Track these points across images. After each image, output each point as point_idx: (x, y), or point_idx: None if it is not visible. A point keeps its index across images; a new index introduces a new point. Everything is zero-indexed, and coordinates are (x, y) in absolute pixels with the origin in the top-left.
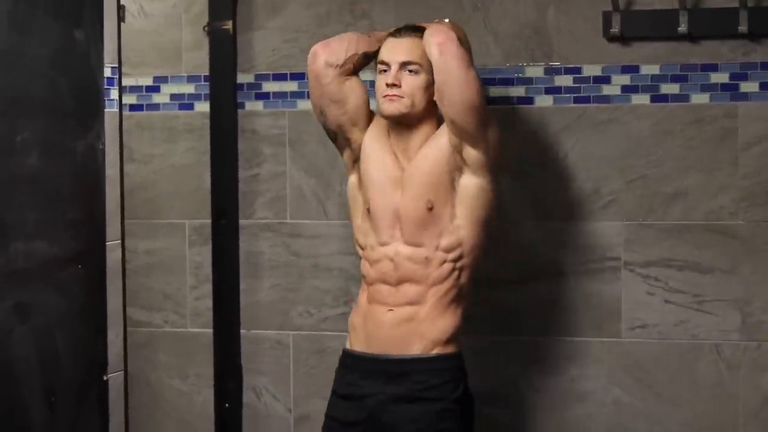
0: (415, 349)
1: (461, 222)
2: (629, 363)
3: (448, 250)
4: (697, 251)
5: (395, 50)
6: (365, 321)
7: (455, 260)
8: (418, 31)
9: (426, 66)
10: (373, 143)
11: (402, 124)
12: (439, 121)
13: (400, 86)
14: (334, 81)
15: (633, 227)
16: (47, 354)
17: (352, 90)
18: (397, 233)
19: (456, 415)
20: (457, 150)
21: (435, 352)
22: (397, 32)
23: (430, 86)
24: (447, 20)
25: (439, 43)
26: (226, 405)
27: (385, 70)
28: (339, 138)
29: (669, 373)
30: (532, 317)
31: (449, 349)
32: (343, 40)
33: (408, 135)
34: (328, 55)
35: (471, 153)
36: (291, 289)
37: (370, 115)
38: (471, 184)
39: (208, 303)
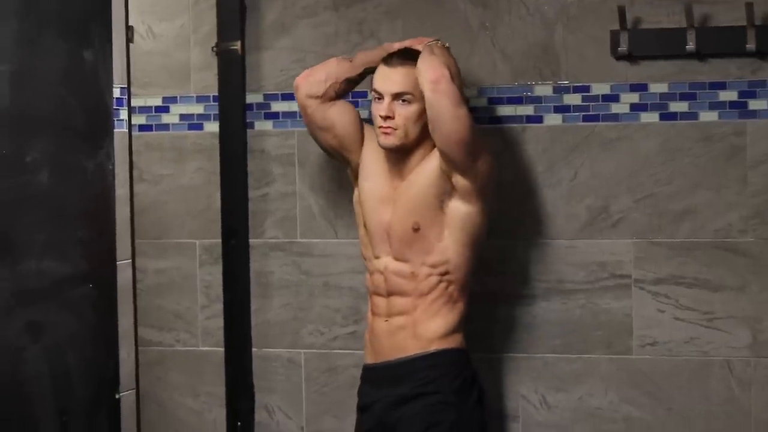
0: (413, 349)
1: (449, 242)
2: (640, 380)
3: (434, 266)
4: (706, 269)
5: (388, 81)
6: (371, 335)
7: (442, 274)
8: (410, 58)
9: (419, 95)
10: (370, 161)
11: (398, 150)
12: (434, 143)
13: (393, 117)
14: (317, 110)
15: (642, 245)
16: (59, 373)
17: (339, 116)
18: (387, 248)
19: (454, 407)
20: (448, 176)
21: (433, 348)
22: (390, 59)
23: (423, 114)
24: (439, 42)
25: (432, 80)
26: (239, 424)
27: (379, 98)
28: (337, 158)
29: (680, 389)
30: (543, 334)
31: (447, 345)
32: (322, 69)
33: (403, 158)
34: (308, 87)
35: (460, 181)
36: (301, 308)
37: (362, 134)
38: (460, 208)
39: (219, 322)
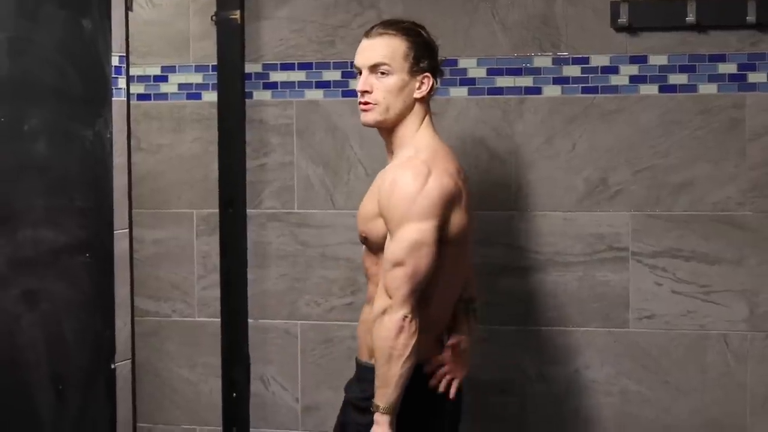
0: (363, 355)
1: None
2: (637, 353)
3: None
4: (704, 242)
5: (365, 53)
6: None
7: None
8: (392, 26)
9: (398, 65)
10: None
11: (383, 128)
12: (423, 116)
13: (371, 92)
14: None
15: (640, 218)
16: (55, 342)
17: None
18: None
19: None
20: None
21: (367, 360)
22: (371, 30)
23: (405, 85)
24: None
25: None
26: (234, 394)
27: (359, 74)
28: None
29: (676, 363)
30: (540, 307)
31: None
32: None
33: (389, 136)
34: None
35: None
36: (298, 279)
37: None
38: None
39: (216, 292)
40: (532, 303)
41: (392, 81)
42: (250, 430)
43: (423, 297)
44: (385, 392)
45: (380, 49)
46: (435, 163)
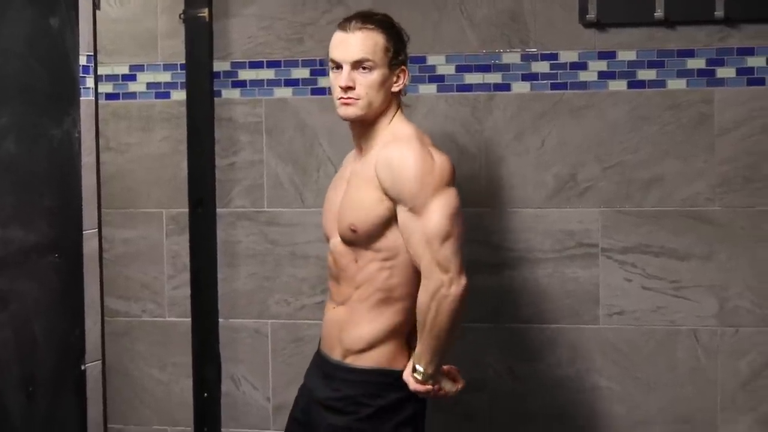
0: (336, 354)
1: (393, 235)
2: (607, 349)
3: (378, 251)
4: (674, 237)
5: (346, 48)
6: (324, 316)
7: (385, 259)
8: (369, 20)
9: (380, 59)
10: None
11: (360, 122)
12: (397, 109)
13: (354, 87)
14: None
15: (610, 213)
16: (25, 342)
17: None
18: (336, 227)
19: None
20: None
21: (348, 361)
22: (347, 24)
23: (386, 80)
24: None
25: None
26: (205, 394)
27: (337, 68)
28: None
29: (647, 358)
30: (510, 304)
31: (365, 362)
32: None
33: (365, 131)
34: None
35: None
36: (268, 278)
37: None
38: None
39: (186, 292)
40: (503, 300)
41: (375, 76)
42: (222, 429)
43: (408, 292)
44: (439, 362)
45: (362, 44)
46: (424, 142)
